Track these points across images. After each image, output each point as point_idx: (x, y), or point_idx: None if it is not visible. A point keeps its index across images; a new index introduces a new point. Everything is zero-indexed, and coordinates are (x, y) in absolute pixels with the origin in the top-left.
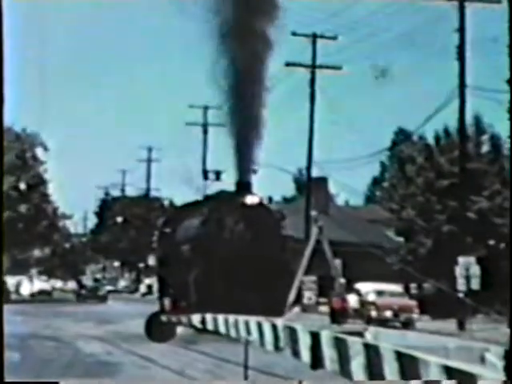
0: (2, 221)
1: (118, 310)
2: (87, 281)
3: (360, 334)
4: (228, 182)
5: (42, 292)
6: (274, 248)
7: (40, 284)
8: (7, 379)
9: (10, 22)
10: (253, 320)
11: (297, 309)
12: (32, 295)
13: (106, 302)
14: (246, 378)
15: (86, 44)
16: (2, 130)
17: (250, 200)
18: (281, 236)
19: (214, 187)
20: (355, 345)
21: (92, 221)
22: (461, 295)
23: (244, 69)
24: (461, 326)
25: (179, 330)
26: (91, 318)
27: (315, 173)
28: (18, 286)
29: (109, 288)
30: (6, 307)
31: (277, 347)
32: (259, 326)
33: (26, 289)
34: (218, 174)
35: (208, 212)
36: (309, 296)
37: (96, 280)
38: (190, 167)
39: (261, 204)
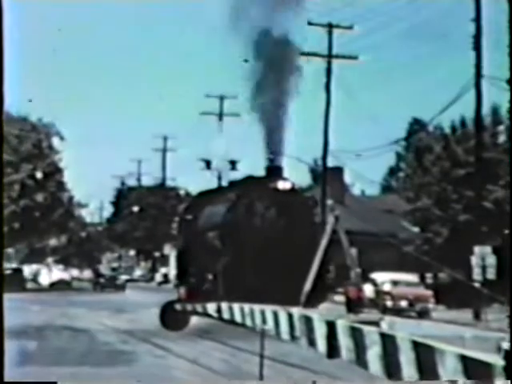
0: (3, 214)
1: (136, 299)
2: (104, 270)
3: (376, 324)
4: (243, 172)
5: (60, 282)
6: (307, 236)
7: (59, 273)
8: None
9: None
10: (268, 309)
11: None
12: (51, 285)
13: (124, 291)
14: (261, 374)
15: (104, 33)
16: (1, 129)
17: (282, 185)
18: (314, 223)
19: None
20: (371, 334)
21: (108, 210)
22: (477, 285)
23: (272, 52)
24: (476, 315)
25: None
26: (110, 308)
27: (331, 162)
28: (35, 275)
29: (125, 277)
30: (23, 296)
31: (293, 336)
32: (275, 315)
33: (45, 278)
34: (233, 164)
35: (236, 197)
36: None
37: (113, 269)
38: (209, 156)
39: (293, 189)
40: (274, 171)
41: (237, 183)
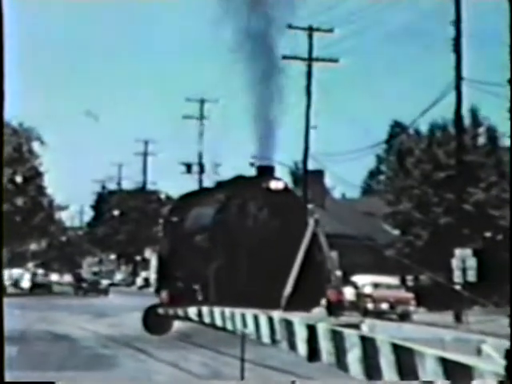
0: (2, 217)
1: (120, 303)
2: (85, 274)
3: (356, 327)
4: (225, 175)
5: (41, 286)
6: (302, 237)
7: (40, 278)
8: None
9: None
10: (249, 313)
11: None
12: (31, 289)
13: (107, 296)
14: (242, 377)
15: (85, 36)
16: (2, 128)
17: (275, 185)
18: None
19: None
20: (351, 337)
21: (88, 214)
22: (457, 287)
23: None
24: (457, 318)
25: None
26: (94, 312)
27: (311, 166)
28: (17, 279)
29: (107, 281)
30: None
31: (273, 340)
32: (255, 318)
33: (27, 282)
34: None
35: (225, 198)
36: None
37: (95, 273)
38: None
39: (286, 189)
40: (266, 171)
41: (225, 184)
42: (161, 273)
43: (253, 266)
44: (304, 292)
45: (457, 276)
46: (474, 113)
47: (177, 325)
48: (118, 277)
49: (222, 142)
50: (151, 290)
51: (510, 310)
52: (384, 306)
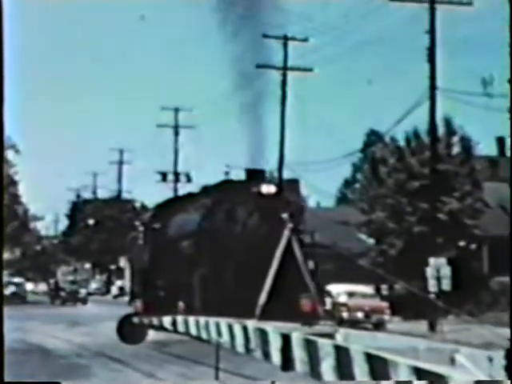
0: (3, 220)
1: (99, 313)
2: (61, 283)
3: (331, 336)
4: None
5: (15, 294)
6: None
7: (14, 287)
8: None
9: None
10: (223, 321)
11: None
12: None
13: (85, 305)
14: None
15: (57, 41)
16: (2, 129)
17: (266, 189)
18: (300, 231)
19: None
20: (325, 346)
21: (63, 223)
22: (432, 296)
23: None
24: (432, 327)
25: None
26: (70, 321)
27: (286, 174)
28: None
29: (85, 290)
30: None
31: (248, 349)
32: (230, 327)
33: None
34: (187, 176)
35: (212, 203)
36: None
37: (73, 282)
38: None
39: (278, 194)
40: (256, 175)
41: (211, 188)
42: (136, 281)
43: (241, 273)
44: (279, 301)
45: (431, 285)
46: (448, 122)
47: (153, 334)
48: (93, 286)
49: (197, 150)
50: (126, 298)
51: (510, 310)
52: (359, 315)
